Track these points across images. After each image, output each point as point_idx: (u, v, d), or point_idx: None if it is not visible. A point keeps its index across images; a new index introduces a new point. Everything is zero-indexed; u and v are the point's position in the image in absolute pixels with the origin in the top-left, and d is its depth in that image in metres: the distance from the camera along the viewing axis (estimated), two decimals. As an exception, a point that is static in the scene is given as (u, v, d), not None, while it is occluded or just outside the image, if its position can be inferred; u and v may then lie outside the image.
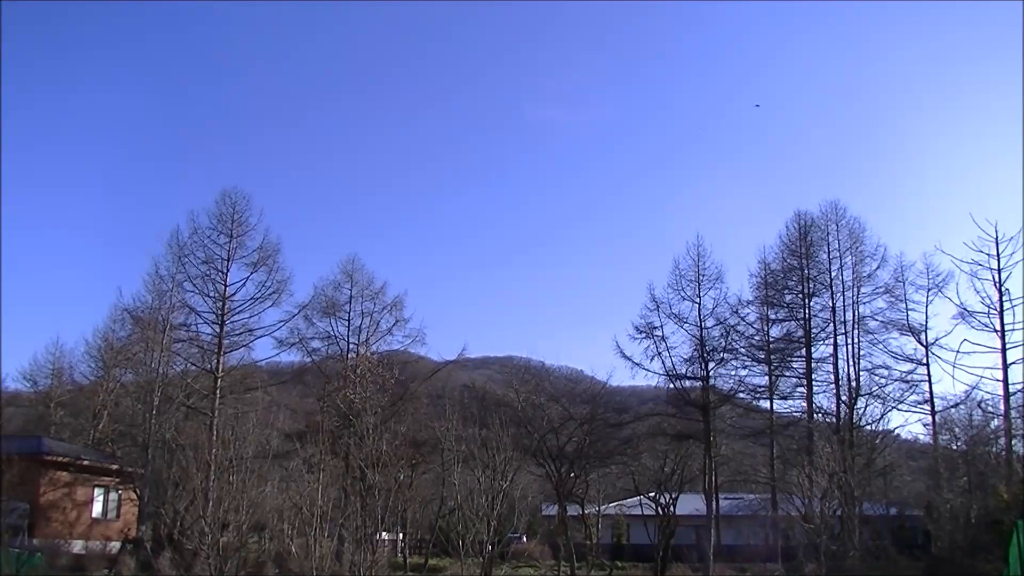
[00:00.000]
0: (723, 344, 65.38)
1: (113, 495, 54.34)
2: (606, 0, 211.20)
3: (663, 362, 64.45)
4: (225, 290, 57.87)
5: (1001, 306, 57.10)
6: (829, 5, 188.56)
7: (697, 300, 64.49)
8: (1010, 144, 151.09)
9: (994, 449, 55.65)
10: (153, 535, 47.93)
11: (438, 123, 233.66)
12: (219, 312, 57.61)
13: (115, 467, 53.56)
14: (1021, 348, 56.54)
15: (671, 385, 66.01)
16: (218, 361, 56.68)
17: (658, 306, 65.03)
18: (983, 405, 57.94)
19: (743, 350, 67.32)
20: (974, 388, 58.76)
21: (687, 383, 65.84)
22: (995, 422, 57.09)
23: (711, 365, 64.56)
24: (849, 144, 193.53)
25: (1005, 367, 56.87)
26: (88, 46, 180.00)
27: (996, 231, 57.01)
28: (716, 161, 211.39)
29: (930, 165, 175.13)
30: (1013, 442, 56.67)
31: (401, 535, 60.67)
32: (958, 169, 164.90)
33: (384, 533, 49.64)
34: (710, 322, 64.72)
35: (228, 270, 58.09)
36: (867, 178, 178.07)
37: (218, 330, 57.52)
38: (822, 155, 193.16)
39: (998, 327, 57.19)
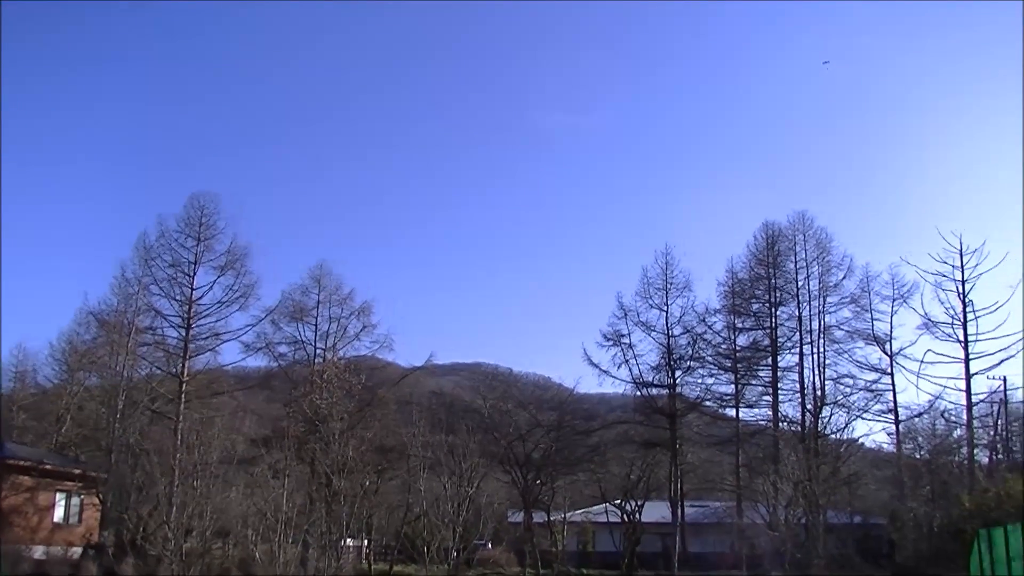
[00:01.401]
0: (690, 352, 66.11)
1: (75, 500, 53.63)
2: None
3: (630, 370, 65.15)
4: (192, 293, 57.40)
5: (965, 317, 57.84)
6: (802, 13, 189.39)
7: (665, 308, 65.33)
8: (978, 155, 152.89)
9: (957, 458, 56.32)
10: (116, 541, 47.45)
11: (406, 130, 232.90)
12: (185, 316, 57.12)
13: (78, 472, 52.89)
14: (984, 359, 57.21)
15: (638, 393, 66.57)
16: (183, 365, 56.21)
17: (626, 314, 65.74)
18: (946, 415, 58.81)
19: (710, 358, 67.96)
20: (937, 398, 59.57)
21: (654, 391, 66.38)
22: (958, 432, 57.86)
23: (678, 373, 65.28)
24: (824, 154, 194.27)
25: (968, 377, 57.56)
26: (55, 48, 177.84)
27: (961, 243, 57.89)
28: (686, 169, 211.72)
29: (897, 176, 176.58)
30: (975, 451, 57.34)
31: (366, 541, 60.30)
32: (925, 180, 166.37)
33: (349, 539, 49.54)
34: (677, 330, 65.55)
35: (195, 273, 57.61)
36: (834, 188, 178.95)
37: (184, 334, 57.03)
38: (795, 164, 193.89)
39: (961, 338, 57.88)
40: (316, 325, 63.86)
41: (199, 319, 57.87)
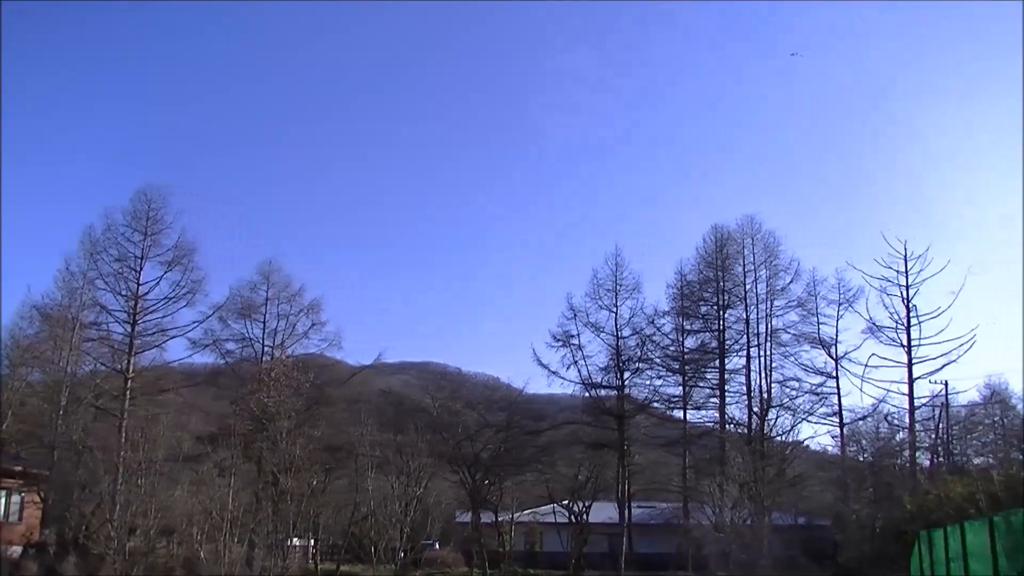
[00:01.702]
0: (639, 354, 66.58)
1: (16, 498, 52.75)
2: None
3: (579, 371, 65.55)
4: (138, 289, 56.86)
5: (908, 322, 58.75)
6: (749, 16, 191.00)
7: (614, 310, 65.77)
8: (925, 162, 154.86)
9: (899, 461, 57.14)
10: (57, 539, 46.84)
11: (350, 123, 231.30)
12: (131, 311, 56.54)
13: (19, 469, 52.04)
14: (926, 363, 58.13)
15: (587, 394, 66.90)
16: (129, 361, 55.59)
17: (576, 315, 66.10)
18: (889, 418, 59.75)
19: (658, 360, 68.48)
20: (881, 401, 60.55)
21: (603, 392, 66.75)
22: (900, 435, 58.74)
23: (626, 374, 65.73)
24: (773, 158, 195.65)
25: (911, 381, 58.51)
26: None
27: (905, 249, 58.73)
28: (637, 171, 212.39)
29: (844, 181, 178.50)
30: (917, 454, 58.24)
31: (313, 541, 59.95)
32: (872, 186, 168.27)
33: (296, 539, 49.23)
34: (627, 332, 66.05)
35: (142, 268, 57.17)
36: (782, 193, 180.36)
37: (130, 329, 56.47)
38: (741, 169, 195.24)
39: (905, 342, 58.76)
40: (264, 322, 63.63)
41: (145, 315, 57.35)
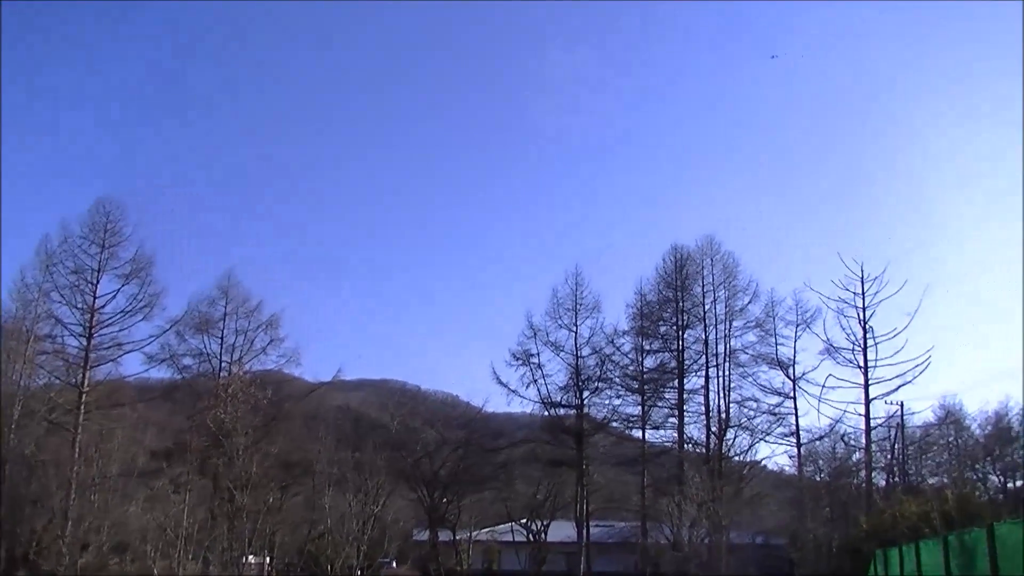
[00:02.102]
0: (598, 373, 66.60)
1: (-36, 513, 52.08)
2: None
3: (539, 389, 65.43)
4: (94, 302, 56.16)
5: (865, 343, 59.26)
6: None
7: (574, 329, 65.71)
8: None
9: (855, 481, 57.68)
10: (7, 556, 46.05)
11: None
12: (87, 324, 55.83)
13: (-32, 484, 51.40)
14: (882, 384, 58.68)
15: (546, 412, 66.86)
16: (84, 375, 54.87)
17: (535, 333, 66.03)
18: (846, 438, 60.22)
19: (617, 379, 68.47)
20: (838, 422, 60.91)
21: (562, 411, 66.75)
22: (857, 455, 59.25)
23: (586, 393, 65.72)
24: (731, 179, 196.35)
25: (867, 402, 58.94)
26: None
27: (862, 271, 59.32)
28: (594, 190, 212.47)
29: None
30: (873, 474, 58.75)
31: (268, 559, 59.44)
32: (829, 206, 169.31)
33: (251, 556, 48.75)
34: (586, 351, 66.07)
35: (98, 281, 56.42)
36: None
37: (85, 343, 55.74)
38: (699, 188, 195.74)
39: (861, 363, 59.27)
40: (222, 337, 63.15)
41: (101, 328, 56.67)
